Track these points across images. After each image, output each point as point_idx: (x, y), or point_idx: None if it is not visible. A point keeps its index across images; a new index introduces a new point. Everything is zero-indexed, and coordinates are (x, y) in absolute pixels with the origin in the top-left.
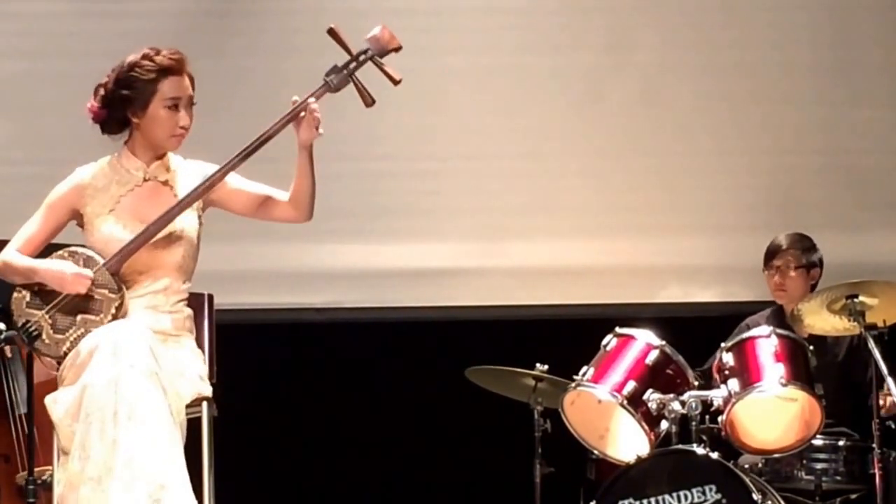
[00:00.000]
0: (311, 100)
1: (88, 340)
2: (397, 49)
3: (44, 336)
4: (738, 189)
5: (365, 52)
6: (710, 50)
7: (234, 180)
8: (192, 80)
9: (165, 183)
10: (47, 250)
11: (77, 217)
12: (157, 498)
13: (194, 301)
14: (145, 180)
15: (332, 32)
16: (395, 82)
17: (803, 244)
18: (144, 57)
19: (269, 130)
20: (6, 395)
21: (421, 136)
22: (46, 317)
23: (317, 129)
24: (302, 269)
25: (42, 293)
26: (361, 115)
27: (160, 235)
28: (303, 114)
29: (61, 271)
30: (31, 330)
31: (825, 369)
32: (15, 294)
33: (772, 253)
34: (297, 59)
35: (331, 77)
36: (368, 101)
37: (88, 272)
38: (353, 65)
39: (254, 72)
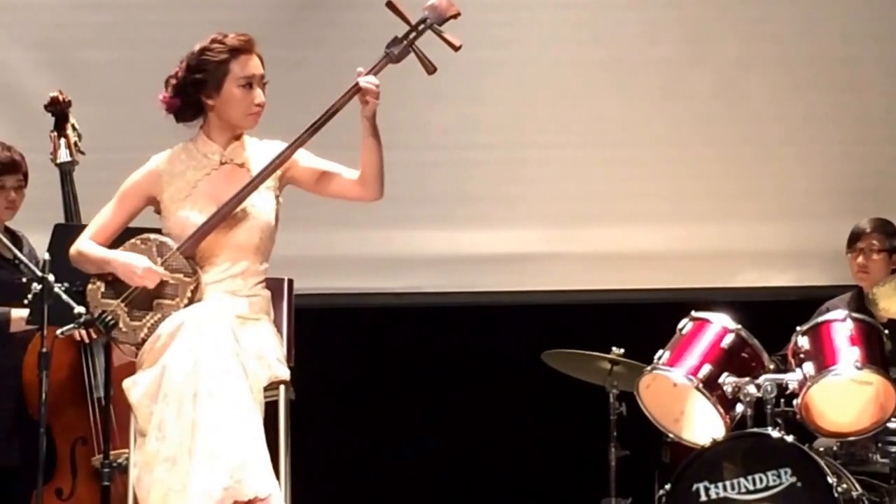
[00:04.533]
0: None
1: (168, 323)
2: (455, 16)
3: (120, 324)
4: (813, 176)
5: (424, 20)
6: (786, 41)
7: (305, 158)
8: (261, 59)
9: (242, 165)
10: (122, 236)
11: (154, 204)
12: (238, 478)
13: (274, 285)
14: (222, 163)
15: (389, 4)
16: (455, 48)
17: (886, 228)
18: (214, 41)
19: (335, 105)
20: (86, 377)
21: (501, 125)
22: (122, 305)
23: (370, 100)
24: (381, 254)
25: (116, 282)
26: (443, 104)
27: (235, 215)
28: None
29: (133, 265)
30: (107, 320)
31: None
32: (90, 285)
33: (855, 236)
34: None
35: (391, 48)
36: (430, 69)
37: (160, 269)
38: (412, 35)
39: (347, 62)
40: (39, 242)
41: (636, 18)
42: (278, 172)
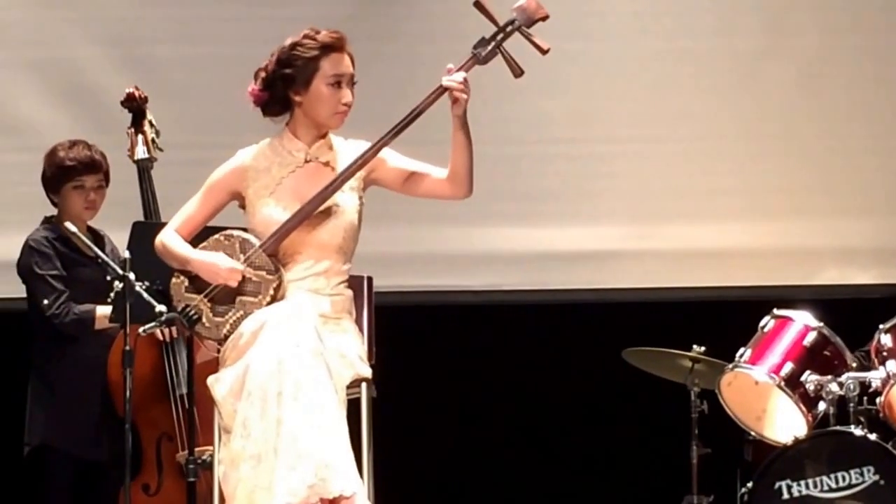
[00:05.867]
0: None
1: (251, 321)
2: (544, 18)
3: (203, 319)
4: None
5: (512, 22)
6: (867, 33)
7: (392, 158)
8: (352, 58)
9: (327, 164)
10: (205, 233)
11: (238, 199)
12: (323, 476)
13: (353, 283)
14: (306, 161)
15: (478, 5)
16: (543, 52)
17: None
18: (305, 36)
19: (420, 105)
20: (168, 375)
21: (579, 119)
22: (205, 300)
23: (458, 100)
24: (459, 252)
25: (199, 277)
26: (524, 98)
27: (318, 214)
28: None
29: (214, 264)
30: (190, 314)
31: None
32: (174, 279)
33: None
34: (466, 43)
35: (478, 49)
36: (517, 72)
37: (240, 266)
38: (500, 36)
39: (420, 56)
40: (119, 240)
41: (714, 8)
42: (363, 173)
